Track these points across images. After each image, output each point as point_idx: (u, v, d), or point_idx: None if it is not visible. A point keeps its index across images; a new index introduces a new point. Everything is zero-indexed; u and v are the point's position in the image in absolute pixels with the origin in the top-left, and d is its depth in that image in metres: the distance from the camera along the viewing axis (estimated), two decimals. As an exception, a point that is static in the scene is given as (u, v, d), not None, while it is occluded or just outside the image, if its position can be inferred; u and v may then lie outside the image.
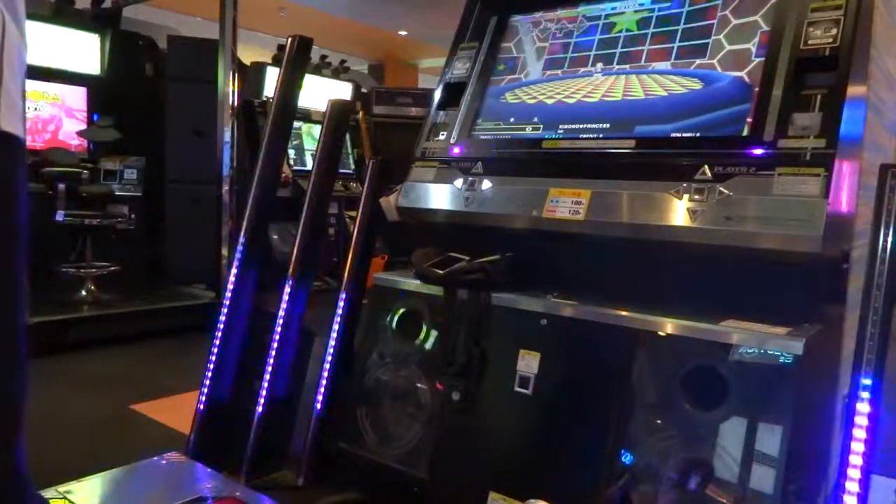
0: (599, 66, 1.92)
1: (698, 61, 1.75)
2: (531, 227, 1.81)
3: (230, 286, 2.21)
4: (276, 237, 4.43)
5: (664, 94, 1.77)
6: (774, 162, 1.49)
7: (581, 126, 1.87)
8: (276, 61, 5.29)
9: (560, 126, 1.91)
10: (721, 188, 1.53)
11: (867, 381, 1.25)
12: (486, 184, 1.90)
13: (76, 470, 1.90)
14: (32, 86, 4.30)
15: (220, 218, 4.28)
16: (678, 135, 1.70)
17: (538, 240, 1.86)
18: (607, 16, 1.98)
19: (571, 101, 1.93)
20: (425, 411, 1.87)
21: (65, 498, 1.75)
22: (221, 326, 2.19)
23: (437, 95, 2.19)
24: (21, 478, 0.95)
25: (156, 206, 4.68)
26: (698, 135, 1.67)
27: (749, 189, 1.50)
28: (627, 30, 1.92)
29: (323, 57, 6.17)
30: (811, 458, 1.49)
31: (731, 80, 1.67)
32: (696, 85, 1.73)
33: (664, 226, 1.59)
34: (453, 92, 2.15)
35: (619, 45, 1.92)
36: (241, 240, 2.21)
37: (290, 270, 2.17)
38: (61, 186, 3.95)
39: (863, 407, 1.25)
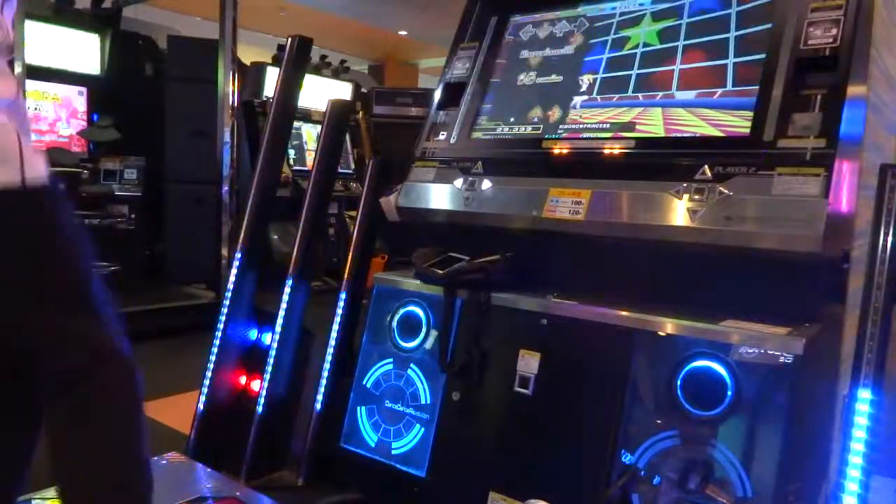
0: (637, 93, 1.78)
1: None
2: (531, 227, 1.81)
3: (230, 286, 2.21)
4: (276, 237, 4.43)
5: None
6: (774, 162, 1.49)
7: (581, 126, 1.87)
8: (276, 61, 5.28)
9: (560, 126, 1.91)
10: (721, 188, 1.53)
11: (867, 382, 1.25)
12: (486, 184, 1.90)
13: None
14: (33, 86, 4.30)
15: (220, 218, 4.28)
16: (678, 135, 1.70)
17: (538, 240, 1.86)
18: (618, 25, 1.91)
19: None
20: (425, 411, 1.87)
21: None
22: (221, 326, 2.19)
23: (437, 95, 2.18)
24: None
25: (156, 206, 4.67)
26: (698, 134, 1.67)
27: (749, 189, 1.50)
28: (645, 44, 1.85)
29: (323, 57, 6.16)
30: (811, 458, 1.49)
31: None
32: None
33: (664, 226, 1.59)
34: (453, 92, 2.15)
35: (636, 66, 1.81)
36: (241, 240, 2.21)
37: (290, 270, 2.17)
38: (61, 186, 3.94)
39: (863, 407, 1.25)
